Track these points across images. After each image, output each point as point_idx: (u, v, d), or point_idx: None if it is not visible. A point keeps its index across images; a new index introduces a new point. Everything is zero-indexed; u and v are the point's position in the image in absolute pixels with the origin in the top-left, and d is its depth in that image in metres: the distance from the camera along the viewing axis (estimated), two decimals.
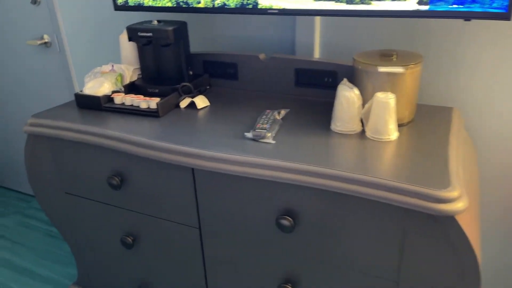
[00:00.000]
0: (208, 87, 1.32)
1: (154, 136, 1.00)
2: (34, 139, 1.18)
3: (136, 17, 1.54)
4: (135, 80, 1.28)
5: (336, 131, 0.98)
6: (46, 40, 1.77)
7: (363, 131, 0.98)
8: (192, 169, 0.98)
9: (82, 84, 1.80)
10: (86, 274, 1.40)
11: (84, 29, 1.67)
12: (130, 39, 1.20)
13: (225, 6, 1.15)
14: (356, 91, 0.95)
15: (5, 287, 1.70)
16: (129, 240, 1.16)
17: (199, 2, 1.18)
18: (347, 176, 0.81)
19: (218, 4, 1.15)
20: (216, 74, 1.35)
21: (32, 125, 1.14)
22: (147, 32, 1.16)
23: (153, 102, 1.12)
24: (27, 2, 1.74)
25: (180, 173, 1.00)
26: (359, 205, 0.83)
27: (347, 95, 0.94)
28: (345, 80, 0.98)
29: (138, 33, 1.17)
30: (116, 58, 1.65)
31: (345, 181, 0.81)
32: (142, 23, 1.22)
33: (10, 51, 1.93)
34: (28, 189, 2.36)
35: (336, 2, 1.01)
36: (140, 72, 1.31)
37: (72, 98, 1.85)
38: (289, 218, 0.89)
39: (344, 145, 0.92)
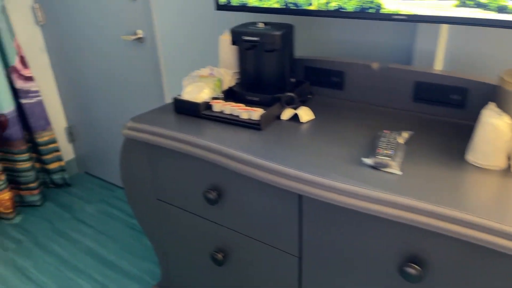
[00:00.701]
0: (309, 96, 1.21)
1: (256, 152, 0.91)
2: (131, 142, 1.15)
3: (234, 17, 1.47)
4: (233, 86, 1.20)
5: (473, 164, 0.83)
6: (140, 36, 1.77)
7: (509, 169, 0.81)
8: (299, 195, 0.88)
9: (171, 82, 1.78)
10: (169, 278, 1.38)
11: (178, 27, 1.63)
12: (233, 42, 1.12)
13: (341, 10, 1.02)
14: (507, 120, 0.78)
15: (88, 276, 1.75)
16: (220, 256, 1.10)
17: (310, 4, 1.06)
18: (488, 226, 0.66)
19: (333, 7, 1.03)
20: (318, 81, 1.23)
21: (130, 129, 1.11)
22: (253, 36, 1.07)
23: (255, 113, 1.03)
24: None
25: (285, 196, 0.91)
26: (503, 260, 0.68)
27: (495, 124, 0.78)
28: (492, 104, 0.82)
29: (243, 36, 1.09)
30: (210, 59, 1.60)
31: (485, 230, 0.66)
32: (246, 25, 1.13)
33: (106, 45, 1.96)
34: (112, 178, 2.44)
35: (484, 9, 0.84)
36: (238, 77, 1.23)
37: (161, 94, 1.84)
38: (416, 266, 0.75)
39: (485, 184, 0.76)
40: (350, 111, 1.12)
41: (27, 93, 2.09)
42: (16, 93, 2.08)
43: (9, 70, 2.02)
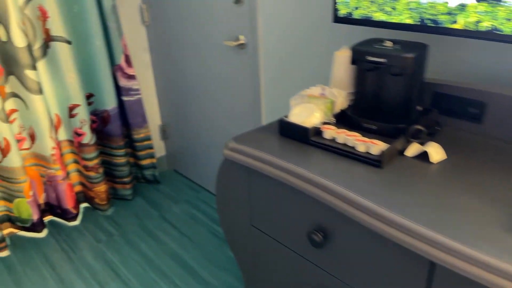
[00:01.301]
0: (437, 128, 1.03)
1: (374, 196, 0.77)
2: (230, 163, 1.07)
3: (352, 31, 1.32)
4: (346, 109, 1.06)
5: None
6: (242, 42, 1.70)
7: None
8: (431, 262, 0.72)
9: (270, 94, 1.69)
10: None
11: (285, 36, 1.53)
12: (354, 61, 0.98)
13: (495, 32, 0.83)
14: None
15: (170, 281, 1.75)
16: None
17: (454, 22, 0.88)
18: None
19: (485, 27, 0.84)
20: (449, 111, 1.04)
21: (232, 149, 1.03)
22: (379, 57, 0.92)
23: (374, 147, 0.89)
24: (230, 1, 1.68)
25: (409, 259, 0.75)
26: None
27: None
28: None
29: (367, 56, 0.94)
30: (319, 76, 1.48)
31: None
32: (370, 42, 0.99)
33: (207, 48, 1.93)
34: (198, 179, 2.44)
35: None
36: (351, 98, 1.09)
37: (257, 105, 1.76)
38: None
39: None
40: (492, 153, 0.92)
41: (128, 91, 2.16)
42: (118, 91, 2.16)
43: (115, 68, 2.10)
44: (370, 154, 0.90)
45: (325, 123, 1.01)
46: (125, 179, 2.26)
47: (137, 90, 2.18)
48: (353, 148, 0.92)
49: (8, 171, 1.87)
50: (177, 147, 2.51)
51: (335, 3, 1.08)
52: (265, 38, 1.61)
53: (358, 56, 0.97)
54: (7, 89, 1.84)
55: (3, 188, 1.93)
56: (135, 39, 2.25)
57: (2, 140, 1.80)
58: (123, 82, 2.13)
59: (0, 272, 1.85)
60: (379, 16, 1.00)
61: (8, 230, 2.04)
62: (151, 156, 2.37)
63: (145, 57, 2.32)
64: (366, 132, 0.99)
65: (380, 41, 0.98)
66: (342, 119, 1.05)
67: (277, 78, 1.63)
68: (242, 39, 1.70)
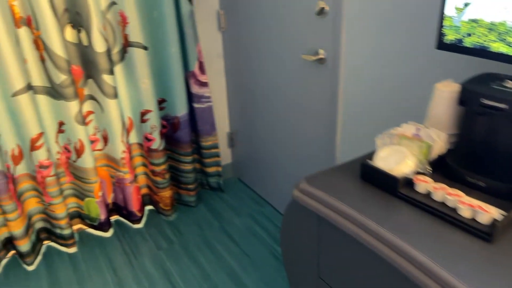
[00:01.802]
0: None
1: (481, 283, 0.60)
2: (300, 205, 0.95)
3: (457, 60, 1.12)
4: (445, 155, 0.89)
5: None
6: (321, 56, 1.56)
7: None
8: None
9: (348, 121, 1.53)
10: None
11: (372, 56, 1.37)
12: (462, 102, 0.81)
13: None
14: None
15: None
16: None
17: None
18: None
19: None
20: None
21: (302, 191, 0.90)
22: (498, 102, 0.74)
23: (484, 215, 0.71)
24: (312, 13, 1.55)
25: None
26: None
27: None
28: None
29: (481, 99, 0.76)
30: (410, 109, 1.29)
31: None
32: (484, 80, 0.80)
33: (283, 60, 1.82)
34: (262, 192, 2.35)
35: None
36: (452, 142, 0.91)
37: (332, 127, 1.61)
38: None
39: None
40: None
41: (200, 98, 2.12)
42: (190, 97, 2.13)
43: (188, 75, 2.07)
44: (477, 222, 0.72)
45: (418, 173, 0.84)
46: (190, 186, 2.24)
47: (208, 97, 2.13)
48: (454, 211, 0.76)
49: (81, 170, 1.92)
50: (243, 156, 2.44)
51: (441, 26, 0.90)
52: (348, 55, 1.45)
53: (469, 97, 0.79)
54: (86, 92, 1.88)
55: (75, 186, 2.00)
56: (210, 45, 2.20)
57: (77, 141, 1.85)
58: (195, 89, 2.10)
59: (67, 268, 1.91)
60: (498, 47, 0.81)
61: (77, 226, 2.11)
62: (217, 164, 2.32)
63: (219, 63, 2.27)
64: (470, 189, 0.81)
65: (498, 79, 0.80)
66: (440, 168, 0.87)
67: (358, 103, 1.47)
68: (322, 53, 1.56)
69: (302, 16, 1.60)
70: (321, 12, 1.49)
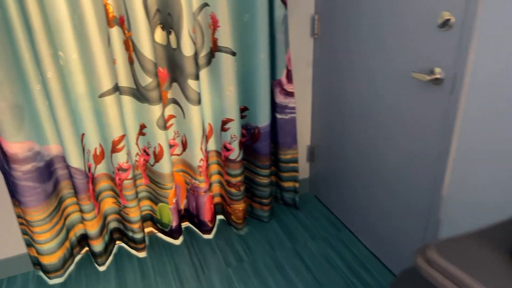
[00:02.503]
0: None
1: None
2: (422, 278, 0.76)
3: None
4: None
5: None
6: (438, 76, 1.33)
7: None
8: None
9: (464, 156, 1.28)
10: None
11: (509, 78, 1.11)
12: None
13: None
14: None
15: None
16: None
17: None
18: None
19: None
20: None
21: (429, 262, 0.71)
22: None
23: None
24: (432, 25, 1.32)
25: None
26: None
27: None
28: None
29: None
30: None
31: None
32: None
33: (385, 75, 1.61)
34: (340, 214, 2.15)
35: None
36: None
37: (443, 161, 1.38)
38: None
39: None
40: None
41: (284, 108, 1.97)
42: (273, 107, 1.99)
43: (274, 83, 1.93)
44: None
45: None
46: (265, 200, 2.11)
47: (292, 108, 1.98)
48: None
49: (158, 175, 1.86)
50: (323, 172, 2.25)
51: None
52: (475, 77, 1.21)
53: None
54: (169, 95, 1.82)
55: (150, 189, 1.96)
56: (299, 52, 2.04)
57: (157, 146, 1.79)
58: (279, 99, 1.95)
59: (135, 273, 1.88)
60: None
61: (148, 229, 2.07)
62: (295, 179, 2.16)
63: (306, 72, 2.10)
64: None
65: None
66: None
67: (483, 140, 1.22)
68: (439, 72, 1.33)
69: (419, 27, 1.38)
70: (445, 24, 1.26)
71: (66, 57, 1.54)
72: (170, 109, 1.86)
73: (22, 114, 1.52)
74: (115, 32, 1.61)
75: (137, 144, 1.86)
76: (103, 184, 1.85)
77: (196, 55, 1.69)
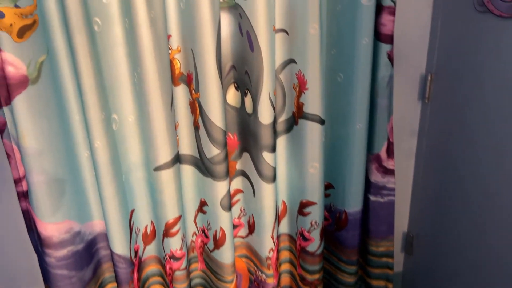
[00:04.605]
0: None
1: None
2: None
3: None
4: None
5: None
6: None
7: None
8: None
9: None
10: None
11: None
12: None
13: None
14: None
15: None
16: None
17: None
18: None
19: None
20: None
21: None
22: None
23: None
24: None
25: None
26: None
27: None
28: None
29: None
30: None
31: None
32: None
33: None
34: None
35: None
36: None
37: None
38: None
39: None
40: None
41: (381, 189, 1.54)
42: (367, 187, 1.57)
43: (370, 158, 1.52)
44: None
45: None
46: None
47: (391, 190, 1.54)
48: None
49: (217, 264, 1.50)
50: (422, 268, 1.75)
51: None
52: None
53: None
54: (238, 166, 1.48)
55: (207, 277, 1.60)
56: (403, 119, 1.63)
57: (218, 229, 1.44)
58: (376, 177, 1.53)
59: None
60: None
61: None
62: (387, 278, 1.68)
63: (410, 144, 1.67)
64: None
65: None
66: None
67: None
68: None
69: None
70: None
71: (120, 120, 1.28)
72: (237, 183, 1.51)
73: (62, 189, 1.25)
74: (180, 92, 1.33)
75: (195, 222, 1.53)
76: (152, 268, 1.52)
77: (274, 121, 1.35)
